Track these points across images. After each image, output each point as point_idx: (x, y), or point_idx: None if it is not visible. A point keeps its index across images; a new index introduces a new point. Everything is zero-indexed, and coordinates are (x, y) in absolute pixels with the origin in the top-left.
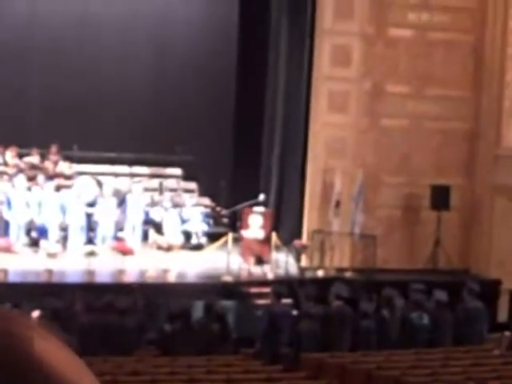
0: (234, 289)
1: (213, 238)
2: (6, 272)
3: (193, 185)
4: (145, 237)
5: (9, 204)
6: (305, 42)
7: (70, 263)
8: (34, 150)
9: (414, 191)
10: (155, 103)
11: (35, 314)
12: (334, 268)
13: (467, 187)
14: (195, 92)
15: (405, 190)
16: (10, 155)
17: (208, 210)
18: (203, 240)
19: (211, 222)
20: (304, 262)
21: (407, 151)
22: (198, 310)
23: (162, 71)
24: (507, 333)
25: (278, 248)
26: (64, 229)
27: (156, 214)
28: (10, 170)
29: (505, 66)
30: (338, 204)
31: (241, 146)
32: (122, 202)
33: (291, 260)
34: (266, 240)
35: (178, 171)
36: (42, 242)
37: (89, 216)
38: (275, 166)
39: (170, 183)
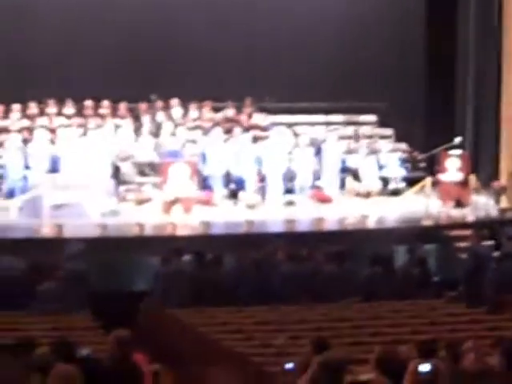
0: (435, 232)
1: (410, 182)
2: (207, 224)
3: (388, 131)
4: (342, 185)
5: (204, 157)
6: None
7: (270, 213)
8: (228, 104)
9: None
10: (347, 51)
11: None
12: None
13: None
14: (386, 39)
15: None
16: (205, 109)
17: (405, 155)
18: (401, 185)
19: (408, 166)
20: (504, 203)
21: None
22: (399, 254)
23: (354, 19)
24: None
25: (476, 190)
26: (262, 180)
27: (353, 162)
28: (206, 124)
29: None
30: None
31: (434, 89)
32: (318, 151)
33: (491, 201)
34: (465, 182)
35: (372, 118)
36: (241, 194)
37: (286, 166)
38: (470, 107)
39: (365, 130)
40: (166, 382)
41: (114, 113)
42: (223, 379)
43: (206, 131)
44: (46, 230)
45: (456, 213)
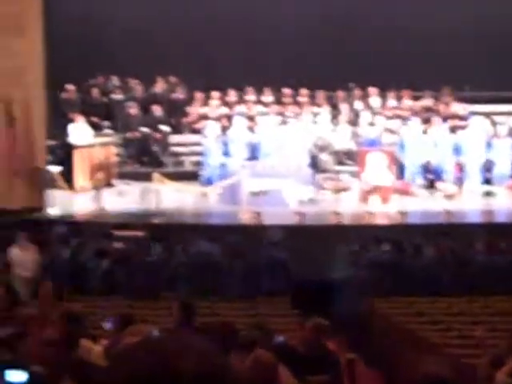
0: None
1: None
2: (404, 213)
3: None
4: None
5: (402, 147)
6: None
7: (468, 204)
8: (426, 93)
9: None
10: None
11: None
12: None
13: None
14: None
15: None
16: (404, 98)
17: None
18: None
19: None
20: None
21: None
22: None
23: None
24: None
25: None
26: (460, 170)
27: None
28: (405, 113)
29: None
30: None
31: None
32: None
33: None
34: None
35: None
36: (438, 184)
37: (484, 156)
38: None
39: None
40: (361, 371)
41: (312, 101)
42: (432, 368)
43: (404, 120)
44: (245, 217)
45: None
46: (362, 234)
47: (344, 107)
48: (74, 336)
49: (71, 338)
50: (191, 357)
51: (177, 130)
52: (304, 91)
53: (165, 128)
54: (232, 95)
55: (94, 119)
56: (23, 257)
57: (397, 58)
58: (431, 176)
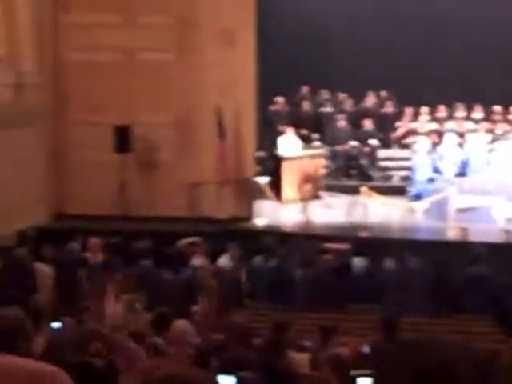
0: None
1: None
2: None
3: None
4: None
5: None
6: None
7: None
8: None
9: None
10: None
11: None
12: None
13: None
14: None
15: None
16: None
17: None
18: None
19: None
20: None
21: None
22: None
23: None
24: None
25: None
26: None
27: None
28: None
29: None
30: None
31: None
32: None
33: None
34: None
35: None
36: None
37: None
38: None
39: None
40: None
41: None
42: None
43: None
44: (451, 233)
45: None
46: None
47: None
48: (280, 345)
49: (277, 347)
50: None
51: (385, 144)
52: None
53: (373, 142)
54: (442, 111)
55: (303, 131)
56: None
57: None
58: None
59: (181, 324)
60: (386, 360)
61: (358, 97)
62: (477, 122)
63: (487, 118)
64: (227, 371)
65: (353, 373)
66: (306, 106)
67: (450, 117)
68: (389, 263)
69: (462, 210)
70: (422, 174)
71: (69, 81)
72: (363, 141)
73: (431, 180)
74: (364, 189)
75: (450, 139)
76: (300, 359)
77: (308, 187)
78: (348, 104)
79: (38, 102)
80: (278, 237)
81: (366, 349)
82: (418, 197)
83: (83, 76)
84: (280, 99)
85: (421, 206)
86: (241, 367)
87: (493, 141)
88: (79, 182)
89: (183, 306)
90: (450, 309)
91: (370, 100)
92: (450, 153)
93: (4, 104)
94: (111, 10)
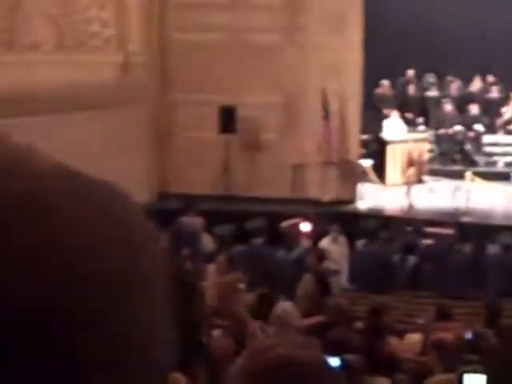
0: None
1: None
2: None
3: None
4: None
5: None
6: None
7: None
8: None
9: None
10: None
11: None
12: None
13: None
14: None
15: None
16: None
17: None
18: None
19: None
20: None
21: None
22: None
23: None
24: None
25: None
26: None
27: None
28: None
29: None
30: None
31: None
32: None
33: None
34: None
35: None
36: None
37: None
38: None
39: None
40: None
41: None
42: None
43: None
44: None
45: None
46: None
47: None
48: (381, 329)
49: (378, 331)
50: None
51: (491, 129)
52: None
53: (479, 127)
54: None
55: (409, 115)
56: (333, 249)
57: None
58: None
59: (284, 306)
60: (497, 361)
61: (466, 81)
62: None
63: None
64: (331, 353)
65: (461, 369)
66: (412, 89)
67: None
68: (493, 249)
69: None
70: None
71: (175, 61)
72: (468, 126)
73: None
74: (468, 174)
75: None
76: (409, 342)
77: (412, 171)
78: (454, 88)
79: (144, 81)
80: (380, 220)
81: (469, 335)
82: None
83: (189, 56)
84: (386, 82)
85: None
86: (344, 349)
87: None
88: (183, 161)
89: (290, 287)
90: None
91: (476, 84)
92: None
93: (111, 83)
94: None
